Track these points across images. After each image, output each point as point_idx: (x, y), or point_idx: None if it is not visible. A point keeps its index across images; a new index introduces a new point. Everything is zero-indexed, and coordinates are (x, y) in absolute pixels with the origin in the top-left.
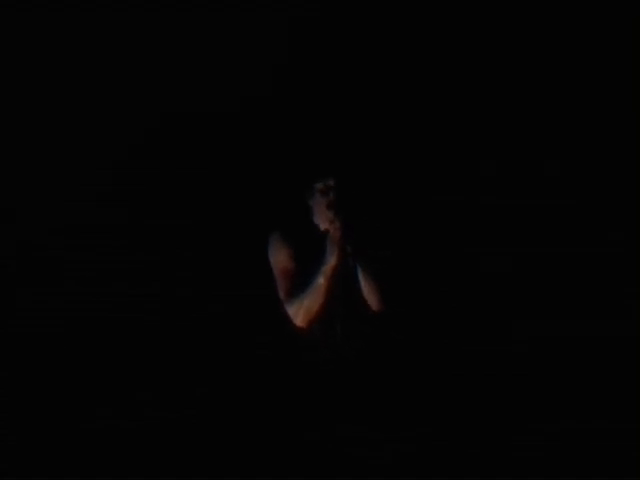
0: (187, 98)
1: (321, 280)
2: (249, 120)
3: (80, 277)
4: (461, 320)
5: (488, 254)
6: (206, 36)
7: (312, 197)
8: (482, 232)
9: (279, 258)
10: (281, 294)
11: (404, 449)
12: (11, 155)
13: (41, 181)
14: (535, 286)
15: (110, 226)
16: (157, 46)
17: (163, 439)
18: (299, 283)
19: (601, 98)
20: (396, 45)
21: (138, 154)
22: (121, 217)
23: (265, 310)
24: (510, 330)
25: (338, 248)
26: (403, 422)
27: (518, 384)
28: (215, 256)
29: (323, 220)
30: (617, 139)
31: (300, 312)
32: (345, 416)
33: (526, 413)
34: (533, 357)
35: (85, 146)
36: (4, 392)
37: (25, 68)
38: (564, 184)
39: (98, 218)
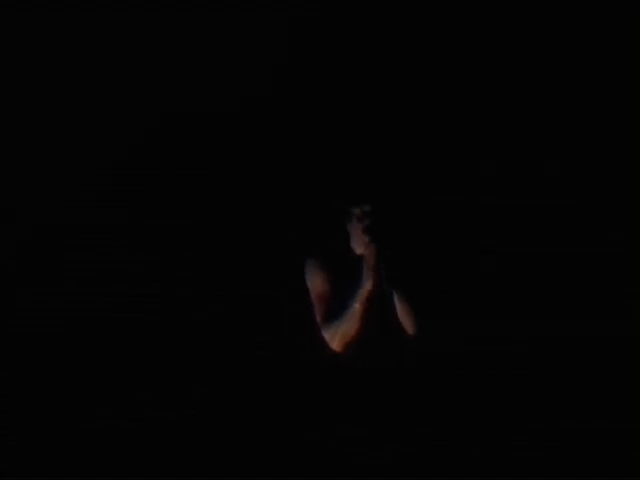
0: (187, 98)
1: (357, 305)
2: (249, 120)
3: (80, 277)
4: (461, 320)
5: (488, 254)
6: (206, 36)
7: (350, 222)
8: (482, 232)
9: (316, 283)
10: (318, 318)
11: (404, 449)
12: (11, 155)
13: (41, 181)
14: (535, 286)
15: (110, 226)
16: (157, 46)
17: (163, 439)
18: (335, 307)
19: (601, 98)
20: (396, 45)
21: (138, 154)
22: (121, 217)
23: (265, 310)
24: (510, 330)
25: (373, 273)
26: (403, 422)
27: (518, 384)
28: (215, 256)
29: (359, 245)
30: (617, 139)
31: (336, 337)
32: (345, 416)
33: (526, 413)
34: (533, 357)
35: (85, 146)
36: (4, 392)
37: (25, 68)
38: (564, 184)
39: (98, 218)
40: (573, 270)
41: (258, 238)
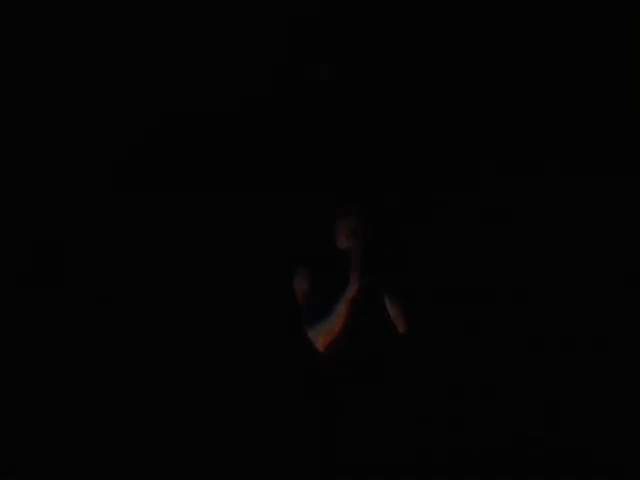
0: (187, 98)
1: (342, 305)
2: (249, 120)
3: (80, 277)
4: (461, 319)
5: (488, 253)
6: (206, 36)
7: (334, 221)
8: (482, 232)
9: (302, 283)
10: (303, 318)
11: (404, 449)
12: (11, 155)
13: (41, 181)
14: (535, 285)
15: (110, 226)
16: (157, 46)
17: (163, 439)
18: (320, 307)
19: (601, 98)
20: (396, 45)
21: (138, 154)
22: (121, 217)
23: (265, 310)
24: (510, 328)
25: (358, 272)
26: (403, 422)
27: (518, 384)
28: (215, 256)
29: (344, 245)
30: (617, 139)
31: (320, 336)
32: (345, 416)
33: (526, 414)
34: (533, 357)
35: (85, 146)
36: (4, 392)
37: (25, 68)
38: (564, 184)
39: (98, 218)
40: (573, 269)
41: (258, 238)
